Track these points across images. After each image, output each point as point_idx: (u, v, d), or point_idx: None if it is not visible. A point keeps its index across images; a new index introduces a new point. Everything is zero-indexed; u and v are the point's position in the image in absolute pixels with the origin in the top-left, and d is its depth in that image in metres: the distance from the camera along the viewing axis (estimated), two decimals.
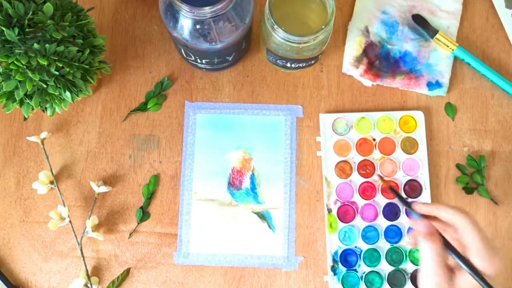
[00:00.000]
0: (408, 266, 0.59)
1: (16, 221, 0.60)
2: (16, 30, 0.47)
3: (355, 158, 0.61)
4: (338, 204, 0.60)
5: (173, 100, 0.63)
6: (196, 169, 0.61)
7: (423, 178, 0.60)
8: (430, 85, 0.62)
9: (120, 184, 0.61)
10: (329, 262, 0.59)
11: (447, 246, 0.43)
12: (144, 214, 0.60)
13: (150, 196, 0.60)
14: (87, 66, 0.52)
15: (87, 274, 0.58)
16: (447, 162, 0.62)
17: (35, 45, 0.47)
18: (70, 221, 0.58)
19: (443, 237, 0.43)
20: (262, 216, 0.60)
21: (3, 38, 0.47)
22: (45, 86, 0.50)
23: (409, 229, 0.59)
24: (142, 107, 0.62)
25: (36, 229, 0.60)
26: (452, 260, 0.43)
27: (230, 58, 0.58)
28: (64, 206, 0.58)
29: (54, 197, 0.60)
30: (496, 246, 0.44)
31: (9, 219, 0.60)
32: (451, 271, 0.43)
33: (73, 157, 0.61)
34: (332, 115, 0.62)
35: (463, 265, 0.42)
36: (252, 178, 0.61)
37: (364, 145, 0.61)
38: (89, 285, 0.58)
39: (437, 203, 0.45)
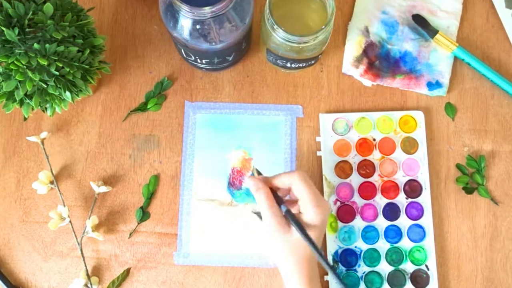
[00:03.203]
0: (408, 266, 0.59)
1: (16, 221, 0.60)
2: (16, 30, 0.47)
3: (355, 158, 0.61)
4: (338, 204, 0.60)
5: (173, 100, 0.63)
6: (196, 169, 0.61)
7: (423, 178, 0.60)
8: (430, 85, 0.62)
9: (120, 184, 0.61)
10: (329, 262, 0.59)
11: (287, 213, 0.48)
12: (144, 214, 0.60)
13: (150, 196, 0.60)
14: (87, 66, 0.52)
15: (87, 274, 0.58)
16: (447, 162, 0.62)
17: (35, 45, 0.47)
18: (70, 221, 0.58)
19: (286, 209, 0.49)
20: (262, 216, 0.60)
21: (3, 38, 0.47)
22: (45, 86, 0.50)
23: (409, 229, 0.59)
24: (142, 107, 0.62)
25: (36, 229, 0.60)
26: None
27: (230, 58, 0.58)
28: (64, 206, 0.58)
29: (54, 197, 0.60)
30: (324, 198, 0.49)
31: (9, 219, 0.60)
32: (286, 218, 0.49)
33: (73, 157, 0.61)
34: (332, 115, 0.62)
35: (298, 229, 0.47)
36: None
37: (364, 145, 0.61)
38: (89, 285, 0.58)
39: (276, 175, 0.50)
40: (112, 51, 0.64)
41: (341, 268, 0.59)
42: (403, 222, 0.60)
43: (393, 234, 0.60)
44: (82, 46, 0.51)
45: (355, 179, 0.61)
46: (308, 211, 0.48)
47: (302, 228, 0.47)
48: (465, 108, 0.63)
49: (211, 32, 0.51)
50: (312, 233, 0.47)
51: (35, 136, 0.59)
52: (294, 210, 0.50)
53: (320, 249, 0.47)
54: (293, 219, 0.48)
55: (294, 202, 0.50)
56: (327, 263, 0.46)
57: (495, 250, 0.60)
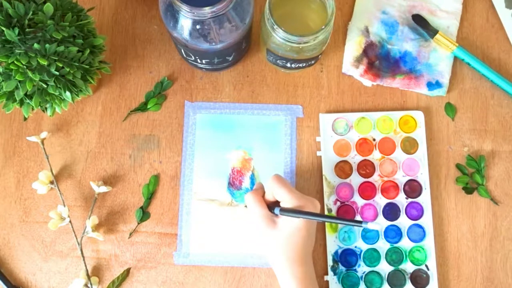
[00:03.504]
0: (408, 266, 0.59)
1: (16, 221, 0.60)
2: (16, 30, 0.47)
3: (355, 158, 0.61)
4: (338, 204, 0.60)
5: (173, 100, 0.63)
6: (196, 169, 0.61)
7: (423, 178, 0.60)
8: (430, 85, 0.62)
9: (120, 184, 0.61)
10: (329, 262, 0.59)
11: (282, 211, 0.51)
12: (144, 214, 0.60)
13: (150, 196, 0.60)
14: (87, 66, 0.52)
15: (87, 274, 0.58)
16: (447, 162, 0.62)
17: (35, 45, 0.47)
18: (70, 221, 0.58)
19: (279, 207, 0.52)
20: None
21: (3, 38, 0.47)
22: (45, 86, 0.50)
23: (409, 229, 0.59)
24: (142, 107, 0.62)
25: (36, 229, 0.60)
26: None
27: (230, 58, 0.58)
28: (64, 206, 0.58)
29: (54, 197, 0.60)
30: (299, 192, 0.52)
31: (9, 219, 0.60)
32: (274, 216, 0.52)
33: (73, 157, 0.61)
34: (332, 115, 0.62)
35: (285, 213, 0.50)
36: (252, 178, 0.61)
37: (364, 145, 0.61)
38: (89, 285, 0.58)
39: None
40: (112, 51, 0.64)
41: (341, 268, 0.59)
42: (403, 222, 0.60)
43: (393, 234, 0.60)
44: (82, 46, 0.51)
45: (355, 179, 0.61)
46: (286, 202, 0.51)
47: (297, 210, 0.50)
48: (465, 108, 0.63)
49: (211, 32, 0.51)
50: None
51: (35, 136, 0.59)
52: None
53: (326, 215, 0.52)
54: (288, 210, 0.50)
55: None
56: (336, 217, 0.51)
57: (495, 250, 0.60)
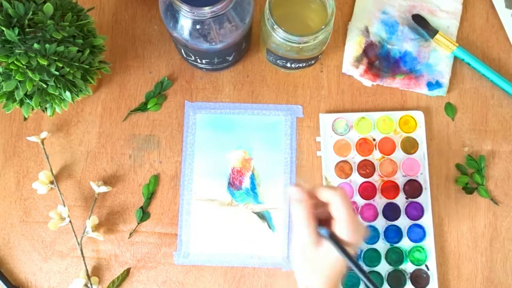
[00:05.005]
0: (408, 266, 0.59)
1: (16, 221, 0.60)
2: (16, 30, 0.47)
3: (355, 158, 0.61)
4: None
5: (173, 100, 0.63)
6: (196, 169, 0.61)
7: (423, 178, 0.60)
8: (430, 85, 0.62)
9: (120, 184, 0.61)
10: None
11: (330, 237, 0.45)
12: (144, 214, 0.60)
13: (150, 196, 0.60)
14: (87, 66, 0.52)
15: (87, 274, 0.58)
16: (447, 162, 0.62)
17: (35, 45, 0.47)
18: (70, 221, 0.58)
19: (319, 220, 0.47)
20: (262, 216, 0.60)
21: (3, 38, 0.47)
22: (45, 86, 0.50)
23: (409, 229, 0.59)
24: (142, 107, 0.62)
25: (36, 229, 0.60)
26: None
27: (230, 58, 0.58)
28: (64, 206, 0.58)
29: (54, 197, 0.60)
30: (360, 223, 0.47)
31: (9, 219, 0.60)
32: (319, 237, 0.46)
33: (73, 157, 0.61)
34: (332, 115, 0.62)
35: (332, 242, 0.45)
36: (252, 178, 0.61)
37: (364, 145, 0.61)
38: (89, 285, 0.58)
39: (317, 187, 0.47)
40: (112, 51, 0.64)
41: None
42: (403, 222, 0.60)
43: (393, 234, 0.60)
44: (82, 46, 0.51)
45: (355, 179, 0.61)
46: (344, 235, 0.45)
47: (347, 252, 0.44)
48: (465, 108, 0.63)
49: (211, 32, 0.51)
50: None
51: (35, 136, 0.59)
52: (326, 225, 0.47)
53: (363, 270, 0.45)
54: (336, 243, 0.45)
55: (328, 218, 0.47)
56: (372, 283, 0.45)
57: (495, 250, 0.60)
